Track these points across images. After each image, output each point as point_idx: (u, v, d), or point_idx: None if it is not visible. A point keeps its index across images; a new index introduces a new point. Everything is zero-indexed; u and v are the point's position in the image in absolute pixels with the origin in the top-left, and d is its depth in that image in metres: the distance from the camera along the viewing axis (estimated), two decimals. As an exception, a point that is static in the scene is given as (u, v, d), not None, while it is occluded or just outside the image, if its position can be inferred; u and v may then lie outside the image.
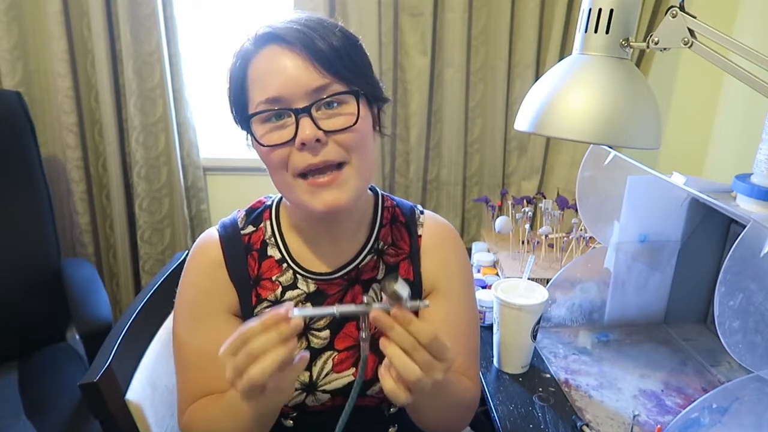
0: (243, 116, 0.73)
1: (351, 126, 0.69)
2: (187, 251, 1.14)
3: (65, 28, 1.54)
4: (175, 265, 1.05)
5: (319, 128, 0.67)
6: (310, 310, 0.66)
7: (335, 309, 0.60)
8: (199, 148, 1.75)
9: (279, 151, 0.69)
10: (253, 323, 0.57)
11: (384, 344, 0.59)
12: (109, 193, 1.73)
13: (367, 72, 0.74)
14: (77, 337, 1.37)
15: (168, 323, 0.98)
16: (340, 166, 0.70)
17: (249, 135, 0.75)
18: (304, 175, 0.70)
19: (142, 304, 0.92)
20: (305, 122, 0.67)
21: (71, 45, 1.58)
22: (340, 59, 0.69)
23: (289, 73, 0.68)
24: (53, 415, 1.26)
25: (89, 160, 1.71)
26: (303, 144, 0.67)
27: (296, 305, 0.79)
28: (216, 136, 1.84)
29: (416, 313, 0.60)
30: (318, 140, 0.67)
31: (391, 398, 0.60)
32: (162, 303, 0.97)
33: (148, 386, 0.88)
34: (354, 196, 0.72)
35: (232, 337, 0.57)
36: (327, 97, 0.68)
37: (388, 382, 0.59)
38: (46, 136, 1.66)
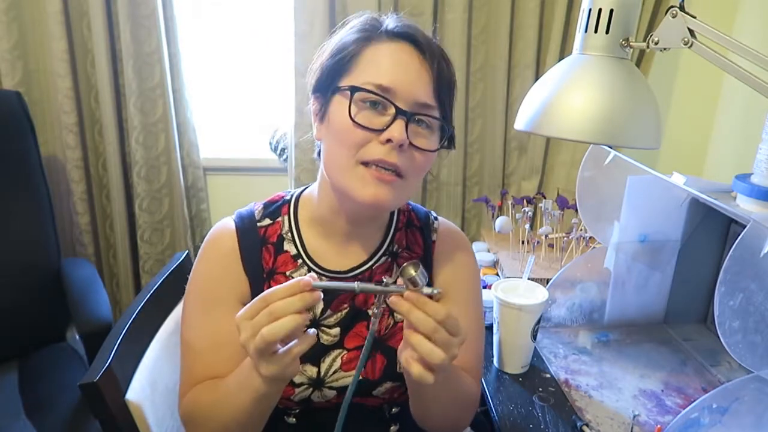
0: (332, 83, 0.74)
1: (429, 150, 0.74)
2: (187, 251, 1.14)
3: (65, 28, 1.54)
4: (175, 265, 1.05)
5: (409, 136, 0.70)
6: (330, 284, 0.67)
7: (356, 285, 0.62)
8: (199, 148, 1.75)
9: (362, 132, 0.70)
10: (275, 288, 0.59)
11: (408, 334, 0.61)
12: (109, 193, 1.73)
13: (452, 117, 0.78)
14: (77, 337, 1.37)
15: (168, 323, 0.98)
16: (399, 176, 0.72)
17: (322, 101, 0.76)
18: (366, 164, 0.71)
19: (142, 304, 0.92)
20: (400, 124, 0.70)
21: (71, 45, 1.57)
22: (449, 94, 0.76)
23: (411, 76, 0.71)
24: (53, 415, 1.26)
25: (89, 160, 1.70)
26: (389, 140, 0.69)
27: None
28: (216, 136, 1.84)
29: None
30: (401, 145, 0.70)
31: (420, 381, 0.62)
32: (162, 303, 0.97)
33: (148, 386, 0.88)
34: (395, 204, 0.76)
35: (251, 302, 0.60)
36: (426, 116, 0.72)
37: (415, 367, 0.62)
38: (46, 136, 1.66)
